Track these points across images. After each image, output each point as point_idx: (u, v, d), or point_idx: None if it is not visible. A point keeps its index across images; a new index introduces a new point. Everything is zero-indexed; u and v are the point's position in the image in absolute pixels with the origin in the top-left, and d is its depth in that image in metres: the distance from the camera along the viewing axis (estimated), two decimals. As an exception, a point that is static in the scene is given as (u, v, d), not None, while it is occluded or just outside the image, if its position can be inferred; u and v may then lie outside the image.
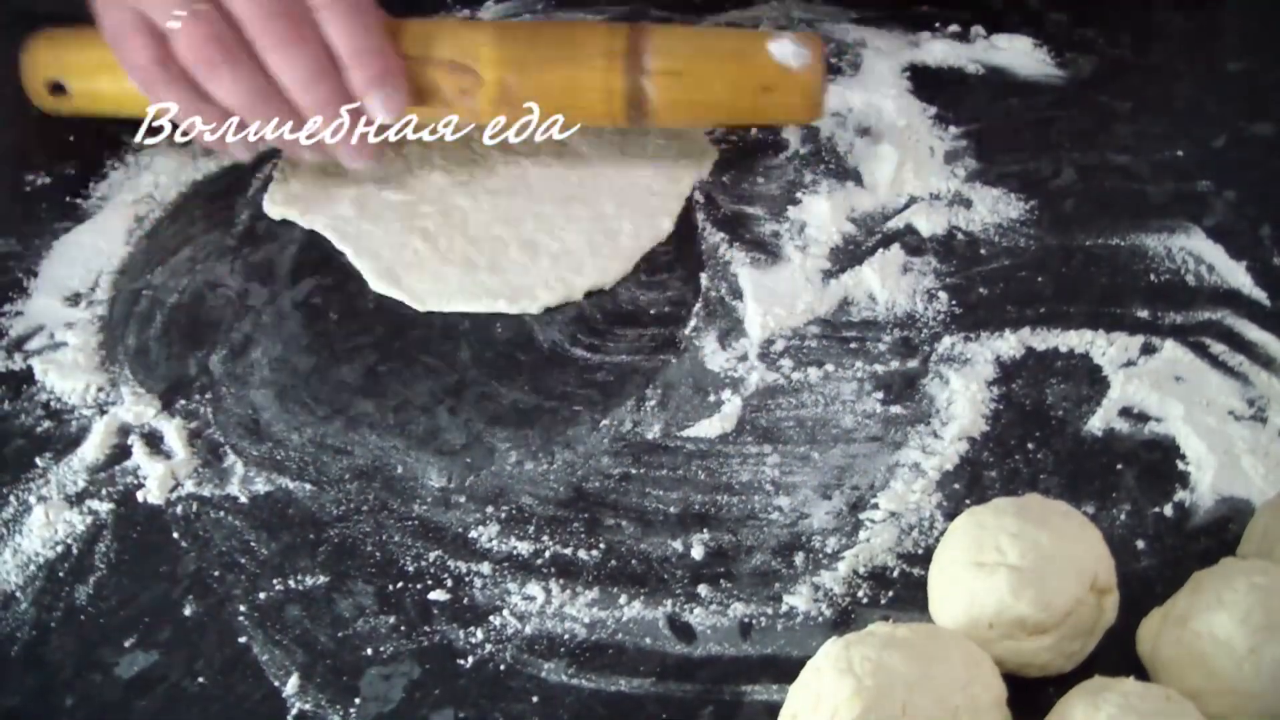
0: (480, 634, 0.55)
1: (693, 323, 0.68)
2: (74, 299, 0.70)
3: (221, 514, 0.60)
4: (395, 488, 0.61)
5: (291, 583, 0.57)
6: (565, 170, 0.76)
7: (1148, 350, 0.66)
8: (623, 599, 0.57)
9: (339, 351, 0.67)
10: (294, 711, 0.53)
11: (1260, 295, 0.68)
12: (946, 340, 0.66)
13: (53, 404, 0.65)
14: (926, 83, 0.81)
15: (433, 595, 0.57)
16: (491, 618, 0.56)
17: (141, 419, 0.64)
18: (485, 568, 0.58)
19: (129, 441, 0.63)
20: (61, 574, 0.58)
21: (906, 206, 0.74)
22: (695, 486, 0.61)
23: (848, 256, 0.71)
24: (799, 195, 0.74)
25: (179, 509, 0.60)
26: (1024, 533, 0.52)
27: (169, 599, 0.57)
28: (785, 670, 0.53)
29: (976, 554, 0.52)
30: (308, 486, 0.61)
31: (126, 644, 0.55)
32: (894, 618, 0.55)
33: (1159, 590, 0.54)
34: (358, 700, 0.53)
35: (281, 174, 0.75)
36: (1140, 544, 0.58)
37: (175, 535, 0.59)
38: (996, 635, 0.51)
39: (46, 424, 0.64)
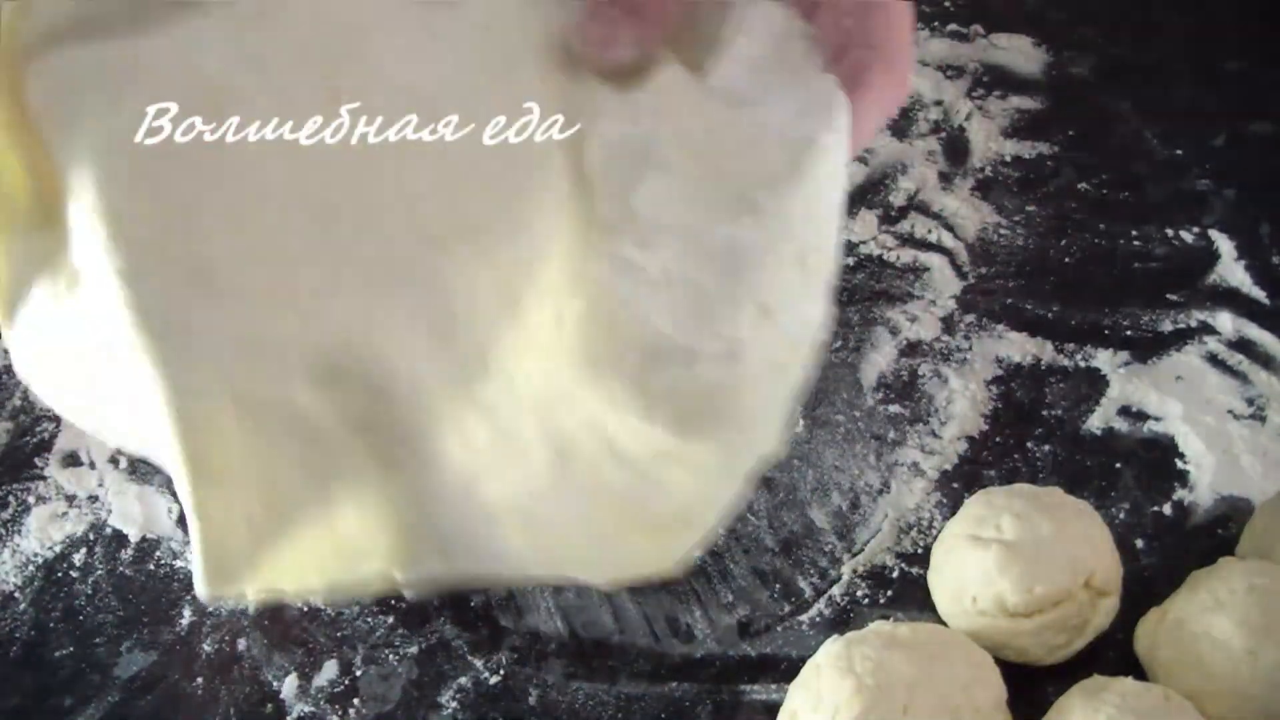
0: (480, 633, 0.55)
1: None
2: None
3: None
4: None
5: (291, 583, 0.57)
6: None
7: (1147, 349, 0.66)
8: (623, 598, 0.57)
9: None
10: (294, 712, 0.53)
11: (1260, 294, 0.68)
12: (945, 339, 0.66)
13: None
14: (925, 82, 0.81)
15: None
16: (491, 617, 0.56)
17: (141, 419, 0.64)
18: (485, 567, 0.58)
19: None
20: (61, 574, 0.58)
21: (905, 208, 0.74)
22: (695, 486, 0.61)
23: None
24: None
25: (178, 509, 0.60)
26: (1028, 516, 0.52)
27: (168, 599, 0.57)
28: (784, 670, 0.53)
29: (976, 528, 0.53)
30: (307, 486, 0.61)
31: (126, 644, 0.55)
32: (893, 617, 0.55)
33: (1157, 590, 0.54)
34: (356, 700, 0.53)
35: None
36: (1139, 543, 0.58)
37: (174, 536, 0.59)
38: (976, 610, 0.52)
39: (46, 424, 0.64)
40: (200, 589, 0.40)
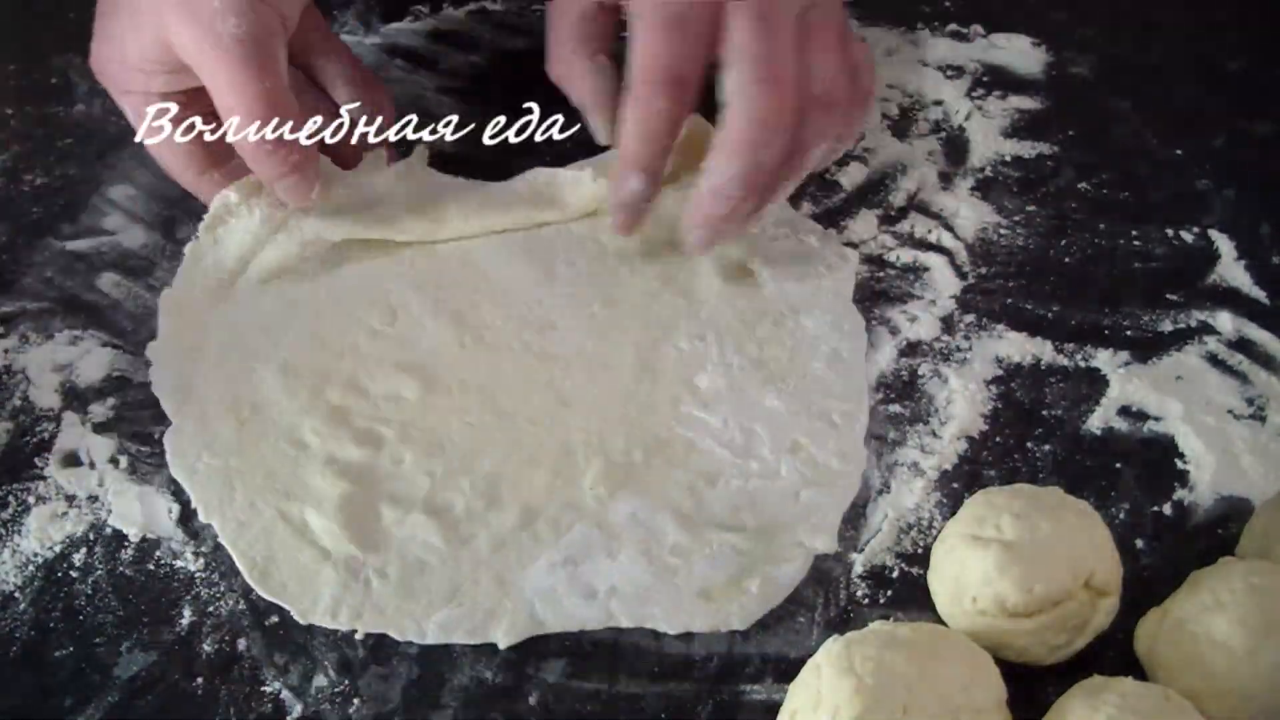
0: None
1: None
2: (72, 301, 0.69)
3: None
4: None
5: (291, 583, 0.57)
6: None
7: (1147, 349, 0.66)
8: (622, 599, 0.57)
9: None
10: (294, 712, 0.53)
11: (1260, 294, 0.68)
12: (945, 339, 0.66)
13: (52, 405, 0.65)
14: (925, 82, 0.81)
15: (432, 595, 0.57)
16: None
17: (140, 420, 0.64)
18: (485, 568, 0.58)
19: (127, 444, 0.63)
20: (60, 574, 0.58)
21: (905, 208, 0.74)
22: (694, 486, 0.61)
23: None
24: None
25: (178, 508, 0.60)
26: (1028, 516, 0.52)
27: (168, 599, 0.57)
28: (784, 669, 0.53)
29: (976, 528, 0.53)
30: (307, 486, 0.61)
31: (126, 644, 0.55)
32: (893, 617, 0.55)
33: (1157, 590, 0.54)
34: (357, 700, 0.53)
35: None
36: (1139, 543, 0.58)
37: (174, 536, 0.59)
38: (976, 610, 0.52)
39: (46, 424, 0.64)
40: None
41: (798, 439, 0.61)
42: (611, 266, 0.68)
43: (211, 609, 0.56)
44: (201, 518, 0.59)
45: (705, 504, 0.58)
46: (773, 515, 0.58)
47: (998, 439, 0.62)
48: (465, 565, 0.56)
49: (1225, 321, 0.67)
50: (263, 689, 0.54)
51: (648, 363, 0.64)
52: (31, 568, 0.58)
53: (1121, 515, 0.59)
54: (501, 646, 0.54)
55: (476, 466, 0.60)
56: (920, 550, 0.58)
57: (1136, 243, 0.71)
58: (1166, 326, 0.67)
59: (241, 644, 0.55)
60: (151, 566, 0.58)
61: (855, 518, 0.59)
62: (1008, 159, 0.76)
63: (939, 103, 0.80)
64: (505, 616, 0.55)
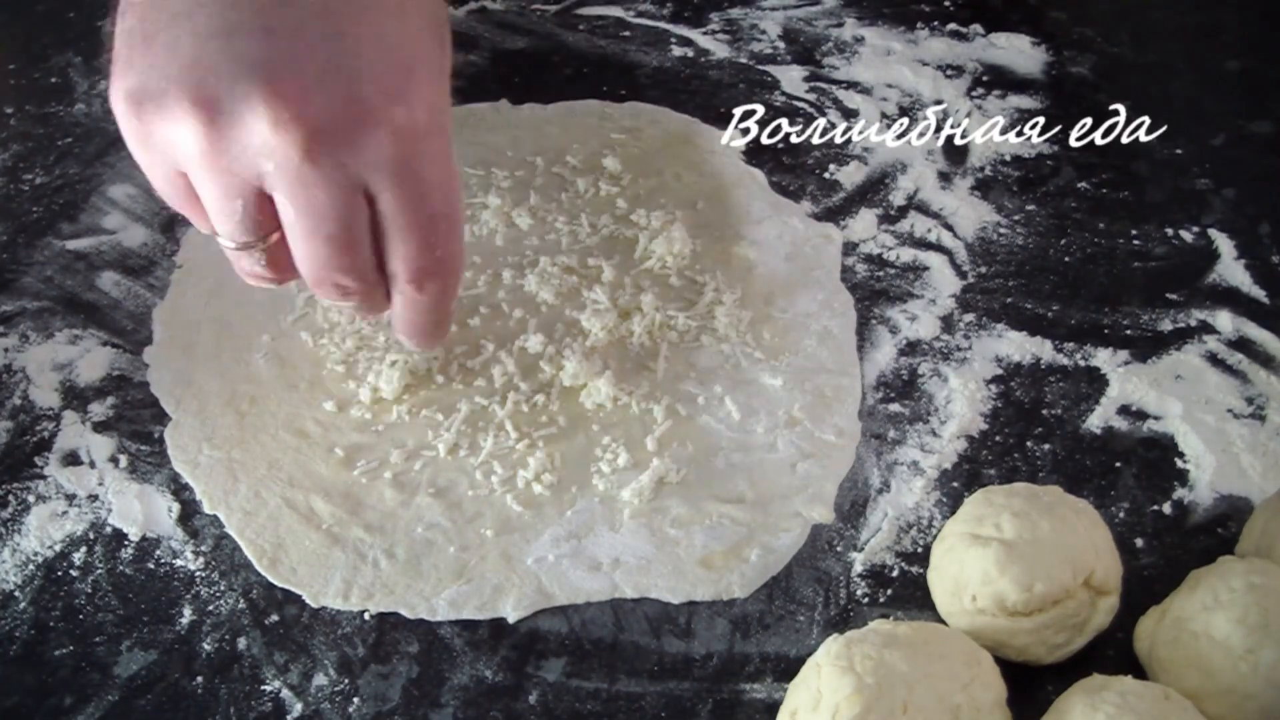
0: (479, 633, 0.55)
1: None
2: (72, 300, 0.70)
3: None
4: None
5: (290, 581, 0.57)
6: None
7: (1146, 348, 0.66)
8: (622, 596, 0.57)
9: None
10: (294, 712, 0.53)
11: (1259, 293, 0.68)
12: (945, 338, 0.66)
13: (52, 404, 0.65)
14: (925, 82, 0.81)
15: (432, 594, 0.57)
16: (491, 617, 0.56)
17: (140, 419, 0.64)
18: (484, 567, 0.58)
19: (127, 442, 0.63)
20: (60, 573, 0.58)
21: (905, 207, 0.74)
22: (694, 485, 0.61)
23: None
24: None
25: (178, 508, 0.60)
26: (1027, 515, 0.52)
27: (168, 598, 0.57)
28: (784, 668, 0.53)
29: (976, 527, 0.53)
30: (307, 486, 0.61)
31: (126, 644, 0.55)
32: (893, 616, 0.55)
33: (1157, 588, 0.54)
34: (357, 700, 0.53)
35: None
36: (1139, 542, 0.58)
37: (174, 535, 0.59)
38: (976, 609, 0.52)
39: (46, 424, 0.64)
40: None
41: (793, 414, 0.62)
42: (605, 249, 0.70)
43: (211, 608, 0.56)
44: (206, 509, 0.59)
45: (704, 477, 0.60)
46: (770, 487, 0.59)
47: (997, 438, 0.62)
48: (472, 542, 0.58)
49: (1225, 321, 0.67)
50: (263, 688, 0.54)
51: (645, 342, 0.65)
52: (31, 567, 0.58)
53: (1121, 514, 0.59)
54: (511, 620, 0.55)
55: (479, 445, 0.61)
56: (920, 549, 0.58)
57: (1136, 242, 0.71)
58: (1166, 326, 0.67)
59: (241, 643, 0.55)
60: (151, 565, 0.58)
61: (855, 517, 0.59)
62: (1007, 159, 0.76)
63: (939, 102, 0.80)
64: (513, 591, 0.56)
